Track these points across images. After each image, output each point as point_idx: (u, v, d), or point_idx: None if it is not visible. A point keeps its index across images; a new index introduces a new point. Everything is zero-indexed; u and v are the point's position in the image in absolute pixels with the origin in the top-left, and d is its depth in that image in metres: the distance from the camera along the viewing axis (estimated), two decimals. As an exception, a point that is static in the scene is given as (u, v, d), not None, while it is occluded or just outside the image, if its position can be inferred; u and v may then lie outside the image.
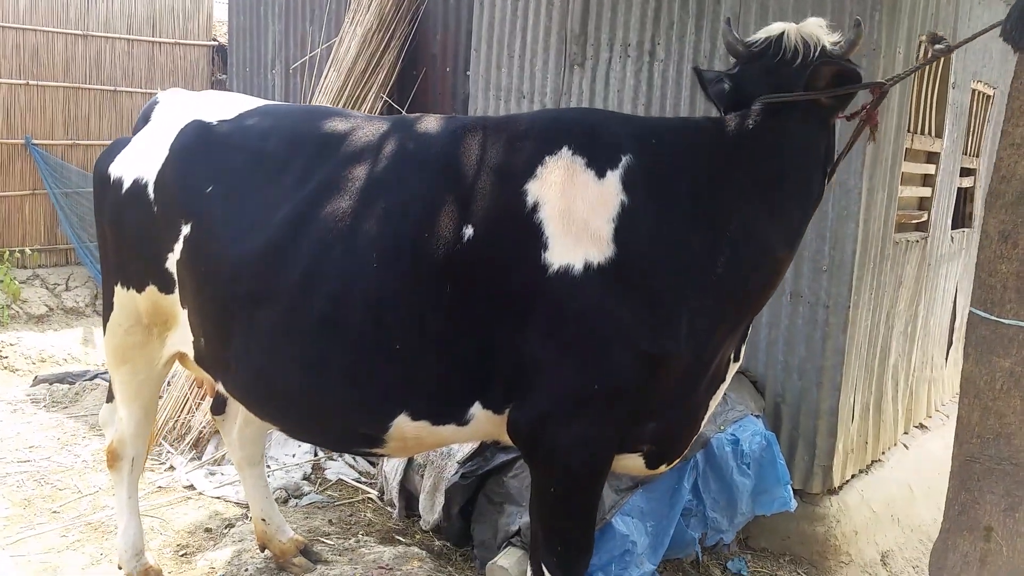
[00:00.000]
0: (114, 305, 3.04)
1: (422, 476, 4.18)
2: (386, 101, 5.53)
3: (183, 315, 2.85)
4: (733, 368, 2.71)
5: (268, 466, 4.71)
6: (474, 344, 2.46)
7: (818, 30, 2.42)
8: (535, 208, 2.41)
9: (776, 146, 2.43)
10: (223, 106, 2.95)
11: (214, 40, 10.16)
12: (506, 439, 2.63)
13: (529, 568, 2.86)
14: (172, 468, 4.71)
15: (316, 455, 4.88)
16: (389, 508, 4.35)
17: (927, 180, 4.96)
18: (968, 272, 6.05)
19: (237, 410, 3.53)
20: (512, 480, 3.78)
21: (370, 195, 2.53)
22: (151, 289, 2.90)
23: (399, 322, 2.48)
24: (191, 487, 4.50)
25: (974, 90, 5.40)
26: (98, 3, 9.31)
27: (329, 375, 2.58)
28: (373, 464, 4.78)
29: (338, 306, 2.51)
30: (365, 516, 4.26)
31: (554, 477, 2.53)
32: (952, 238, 5.53)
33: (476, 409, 2.54)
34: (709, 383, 2.60)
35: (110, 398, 3.38)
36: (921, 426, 5.53)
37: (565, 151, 2.46)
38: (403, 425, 2.57)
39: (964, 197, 5.71)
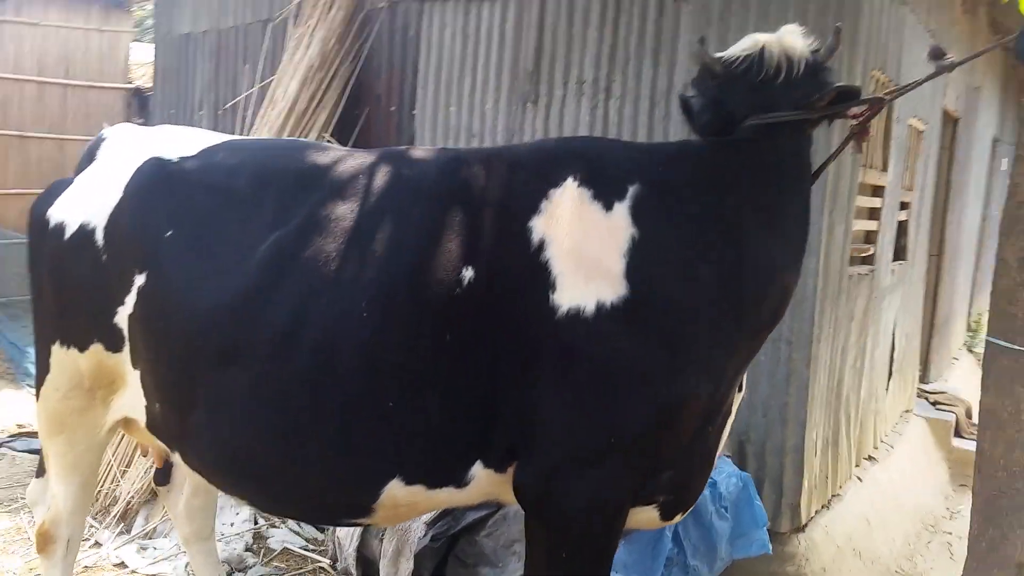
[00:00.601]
0: (50, 366, 2.72)
1: (381, 540, 3.93)
2: (329, 140, 5.35)
3: (133, 376, 2.57)
4: (738, 399, 2.58)
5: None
6: (476, 397, 2.26)
7: (798, 41, 2.31)
8: (541, 246, 2.25)
9: (774, 166, 2.34)
10: (183, 141, 2.69)
11: (131, 83, 9.78)
12: (508, 500, 2.43)
13: None
14: (98, 544, 4.30)
15: (256, 522, 4.54)
16: None
17: (873, 213, 5.07)
18: (905, 304, 6.22)
19: (183, 480, 3.25)
20: (486, 539, 3.59)
21: (357, 235, 2.31)
22: (96, 347, 2.60)
23: (392, 376, 2.27)
24: (122, 565, 4.10)
25: (909, 125, 5.58)
26: (5, 42, 8.84)
27: (313, 440, 2.33)
28: (321, 530, 4.50)
29: (323, 361, 2.27)
30: (324, 585, 3.99)
31: (565, 539, 2.33)
32: (892, 271, 5.66)
33: (477, 469, 2.33)
34: (721, 419, 2.48)
35: (40, 472, 3.05)
36: (870, 458, 5.59)
37: (570, 183, 2.31)
38: (395, 491, 2.34)
39: (900, 230, 5.87)
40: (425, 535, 3.63)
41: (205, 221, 2.46)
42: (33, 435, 6.35)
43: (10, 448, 5.81)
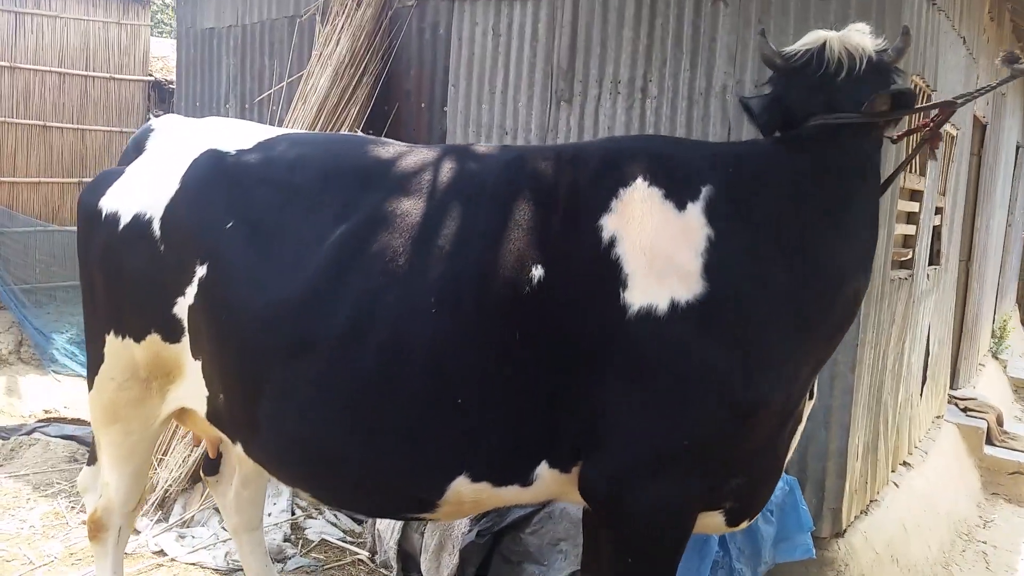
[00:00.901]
0: (104, 356, 2.69)
1: (422, 535, 3.91)
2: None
3: (193, 367, 2.54)
4: (808, 406, 2.53)
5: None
6: (544, 396, 2.23)
7: (862, 38, 2.28)
8: (612, 243, 2.21)
9: (839, 168, 2.29)
10: (237, 134, 2.67)
11: (150, 75, 9.76)
12: (573, 499, 2.40)
13: None
14: (136, 532, 4.29)
15: (293, 513, 4.53)
16: (383, 570, 4.04)
17: (911, 218, 4.99)
18: (938, 309, 6.14)
19: (233, 470, 3.22)
20: (531, 537, 3.56)
21: (424, 231, 2.28)
22: (153, 338, 2.57)
23: (461, 374, 2.24)
24: (161, 553, 4.10)
25: (944, 130, 5.49)
26: (27, 34, 8.83)
27: (380, 435, 2.31)
28: (359, 522, 4.46)
29: (392, 357, 2.24)
30: (361, 579, 3.95)
31: (632, 542, 2.31)
32: (928, 275, 5.59)
33: (542, 468, 2.30)
34: (792, 426, 2.43)
35: (91, 460, 3.02)
36: (905, 463, 5.52)
37: (640, 182, 2.28)
38: (461, 488, 2.32)
39: (934, 235, 5.78)
40: (470, 531, 3.61)
41: (268, 214, 2.44)
42: (64, 420, 6.35)
43: (44, 434, 5.81)
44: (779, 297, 2.23)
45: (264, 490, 3.30)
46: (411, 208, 2.33)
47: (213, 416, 2.58)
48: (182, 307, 2.50)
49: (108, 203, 2.66)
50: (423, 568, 3.85)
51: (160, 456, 4.56)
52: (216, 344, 2.45)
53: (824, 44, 2.26)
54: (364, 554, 4.17)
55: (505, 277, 2.22)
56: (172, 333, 2.55)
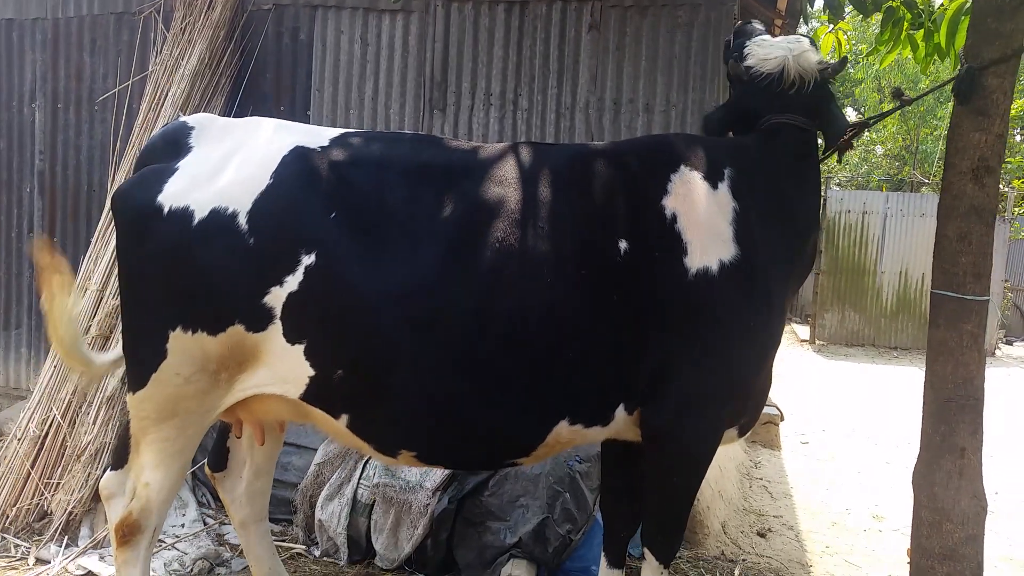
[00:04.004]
0: (167, 352, 2.68)
1: (369, 518, 4.12)
2: (225, 140, 5.25)
3: (286, 352, 2.64)
4: None
5: (162, 540, 4.23)
6: (629, 348, 2.70)
7: (812, 62, 3.01)
8: (674, 219, 2.75)
9: (799, 150, 3.03)
10: (309, 132, 2.86)
11: None
12: (628, 436, 2.90)
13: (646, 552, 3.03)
14: (42, 562, 3.99)
15: (205, 522, 4.46)
16: (326, 559, 4.18)
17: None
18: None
19: (243, 463, 3.28)
20: (490, 498, 3.95)
21: (523, 215, 2.66)
22: (234, 330, 2.64)
23: (570, 332, 2.65)
24: (90, 574, 3.87)
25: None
26: None
27: (503, 390, 2.64)
28: (284, 521, 4.52)
29: (516, 322, 2.61)
30: (312, 569, 4.06)
31: (681, 465, 2.86)
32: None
33: (619, 410, 2.78)
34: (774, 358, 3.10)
35: (117, 465, 2.94)
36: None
37: (683, 168, 2.84)
38: (561, 430, 2.74)
39: None
40: (440, 501, 3.90)
41: (369, 204, 2.65)
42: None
43: None
44: (777, 252, 2.89)
45: (271, 482, 3.36)
46: (505, 195, 2.70)
47: (315, 395, 2.68)
48: (276, 296, 2.60)
49: (170, 200, 2.67)
50: (379, 547, 4.07)
51: (48, 480, 4.25)
52: (336, 324, 2.59)
53: (783, 68, 3.00)
54: (300, 548, 4.27)
55: (600, 250, 2.68)
56: (258, 322, 2.63)
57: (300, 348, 2.65)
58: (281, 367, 2.68)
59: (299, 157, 2.72)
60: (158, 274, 2.70)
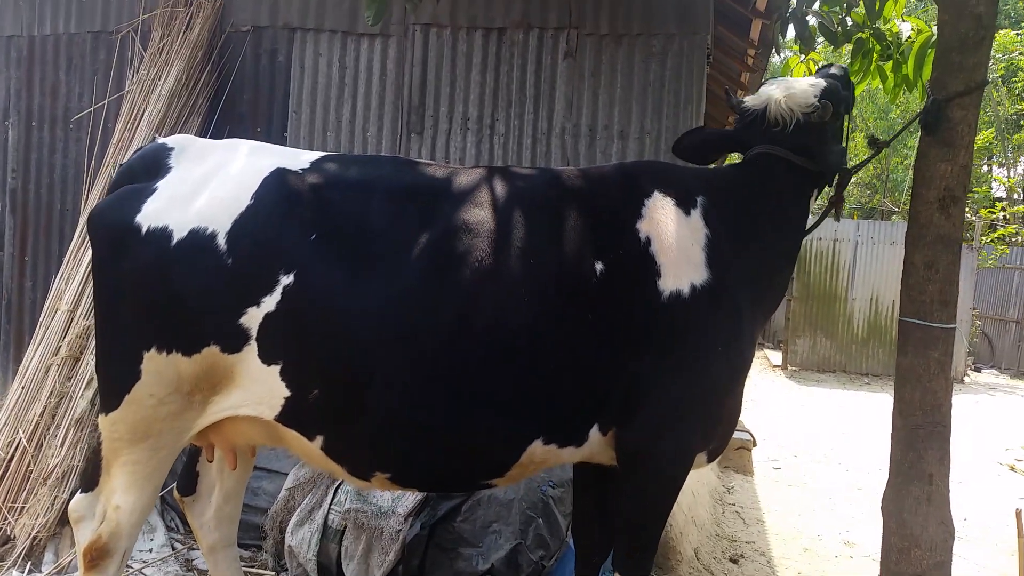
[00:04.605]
0: (141, 374, 2.66)
1: (339, 544, 4.08)
2: (201, 160, 5.23)
3: (262, 373, 2.63)
4: None
5: (129, 566, 4.16)
6: (605, 369, 2.74)
7: (796, 103, 3.07)
8: (648, 242, 2.80)
9: (775, 187, 3.08)
10: (288, 155, 2.87)
11: None
12: (600, 459, 2.92)
13: None
14: (4, 589, 3.92)
15: (173, 547, 4.39)
16: (296, 583, 4.13)
17: None
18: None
19: (212, 488, 3.24)
20: (463, 524, 3.92)
21: (502, 236, 2.70)
22: (209, 351, 2.62)
23: (548, 353, 2.68)
24: (53, 600, 3.80)
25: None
26: None
27: (480, 407, 2.66)
28: (253, 547, 4.46)
29: (493, 340, 2.63)
30: (281, 594, 4.01)
31: (655, 484, 2.88)
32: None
33: (593, 431, 2.80)
34: (743, 385, 3.13)
35: (87, 487, 2.89)
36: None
37: (657, 195, 2.90)
38: (535, 450, 2.75)
39: None
40: (413, 527, 3.88)
41: (350, 225, 2.67)
42: None
43: None
44: (746, 278, 2.95)
45: (240, 506, 3.32)
46: (483, 217, 2.73)
47: (290, 416, 2.67)
48: (253, 317, 2.60)
49: (149, 219, 2.66)
50: (349, 573, 4.01)
51: (12, 505, 4.18)
52: (313, 343, 2.59)
53: (766, 106, 3.09)
54: (269, 574, 4.22)
55: (578, 271, 2.72)
56: (234, 343, 2.62)
57: (276, 368, 2.64)
58: (256, 388, 2.66)
59: (279, 179, 2.72)
60: (133, 294, 2.68)
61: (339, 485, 4.19)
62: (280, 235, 2.64)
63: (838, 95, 3.15)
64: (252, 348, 2.63)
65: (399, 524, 3.95)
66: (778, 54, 5.64)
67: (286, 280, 2.60)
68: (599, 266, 2.74)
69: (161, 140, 2.92)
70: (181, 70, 5.19)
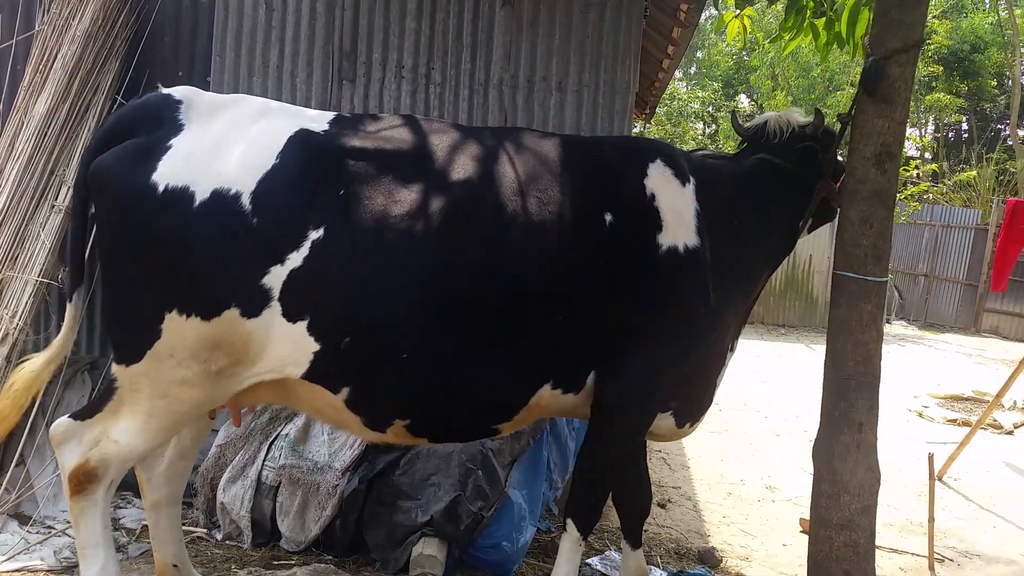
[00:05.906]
0: (161, 333, 2.63)
1: (272, 500, 4.03)
2: (119, 102, 4.97)
3: (288, 331, 2.64)
4: (730, 357, 3.41)
5: (52, 527, 4.03)
6: (607, 317, 2.87)
7: (793, 118, 3.44)
8: (653, 198, 2.99)
9: (763, 188, 3.34)
10: (307, 115, 2.91)
11: None
12: (575, 414, 3.11)
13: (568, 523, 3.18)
14: (-83, 553, 3.73)
15: (99, 505, 4.26)
16: (229, 542, 4.05)
17: None
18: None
19: (169, 444, 3.15)
20: (402, 477, 3.91)
21: (523, 187, 2.84)
22: (229, 314, 2.61)
23: (561, 300, 2.82)
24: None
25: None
26: None
27: (500, 351, 2.78)
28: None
29: (517, 286, 2.76)
30: (215, 553, 3.93)
31: (624, 437, 3.09)
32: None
33: (590, 379, 2.95)
34: (720, 364, 3.29)
35: (81, 416, 2.82)
36: None
37: (659, 162, 3.11)
38: (543, 394, 2.90)
39: None
40: (350, 481, 3.85)
41: (377, 180, 2.73)
42: None
43: None
44: (727, 258, 3.13)
45: (192, 464, 3.28)
46: (503, 173, 2.87)
47: (319, 370, 2.69)
48: (276, 275, 2.60)
49: (166, 179, 2.61)
50: (284, 529, 3.98)
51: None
52: (343, 293, 2.63)
53: (765, 122, 3.46)
54: (201, 531, 4.13)
55: (591, 221, 2.88)
56: (255, 306, 2.61)
57: (303, 324, 2.66)
58: (282, 349, 2.67)
59: (304, 139, 2.75)
60: (152, 256, 2.64)
61: (272, 441, 4.12)
62: (309, 192, 2.66)
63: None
64: (274, 309, 2.63)
65: (336, 479, 3.91)
66: (715, 8, 5.63)
67: (315, 235, 2.63)
68: (609, 217, 2.90)
69: (165, 91, 2.86)
70: (97, 9, 4.89)
